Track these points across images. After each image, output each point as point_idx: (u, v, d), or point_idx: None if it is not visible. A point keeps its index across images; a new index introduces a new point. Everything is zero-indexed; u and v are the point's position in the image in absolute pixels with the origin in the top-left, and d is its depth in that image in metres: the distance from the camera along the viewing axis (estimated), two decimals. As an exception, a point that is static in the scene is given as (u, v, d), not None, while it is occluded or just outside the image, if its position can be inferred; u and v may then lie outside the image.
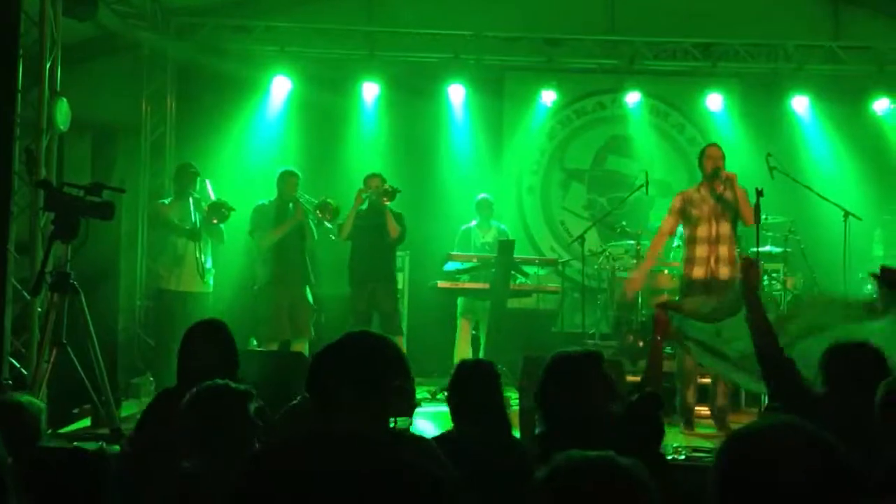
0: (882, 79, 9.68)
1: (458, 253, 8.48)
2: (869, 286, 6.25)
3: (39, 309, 5.94)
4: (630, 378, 6.06)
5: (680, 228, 6.93)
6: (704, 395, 6.71)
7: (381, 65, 9.59)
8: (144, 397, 7.06)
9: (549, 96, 10.06)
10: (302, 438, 2.31)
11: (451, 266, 8.32)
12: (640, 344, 7.75)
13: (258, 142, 9.60)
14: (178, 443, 2.97)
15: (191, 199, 7.65)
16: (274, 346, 7.48)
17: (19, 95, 6.07)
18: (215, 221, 7.60)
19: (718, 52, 9.70)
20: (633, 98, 10.08)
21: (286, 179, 7.72)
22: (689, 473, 4.43)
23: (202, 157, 8.46)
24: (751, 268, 4.26)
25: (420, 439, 2.49)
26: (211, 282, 7.75)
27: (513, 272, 8.28)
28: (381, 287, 7.73)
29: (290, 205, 7.67)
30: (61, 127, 6.45)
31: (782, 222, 8.64)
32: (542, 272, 9.21)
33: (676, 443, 5.58)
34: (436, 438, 3.28)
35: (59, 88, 6.47)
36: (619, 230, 8.90)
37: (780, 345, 3.82)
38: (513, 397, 4.98)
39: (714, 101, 10.09)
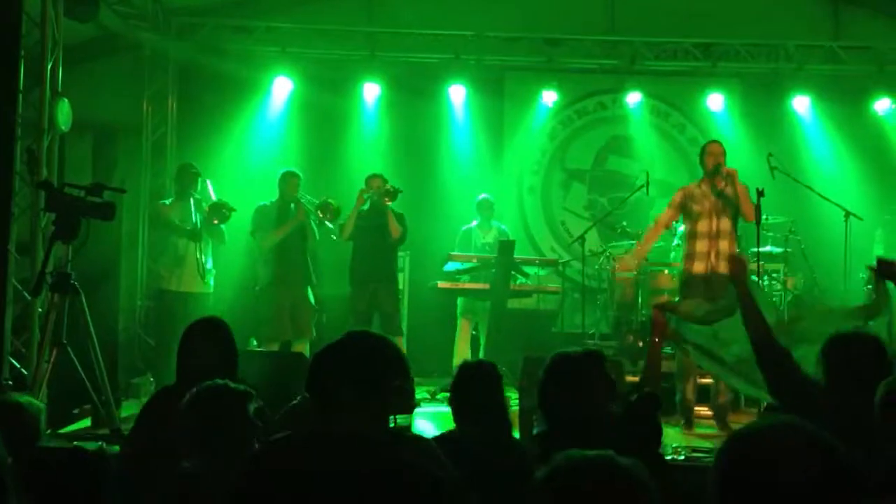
0: (882, 79, 9.68)
1: (459, 253, 8.48)
2: (870, 286, 6.25)
3: (40, 309, 5.95)
4: (630, 378, 6.06)
5: (678, 226, 6.93)
6: (705, 395, 6.71)
7: (382, 65, 9.59)
8: (144, 397, 7.04)
9: (549, 96, 10.06)
10: (302, 438, 2.31)
11: (451, 266, 8.32)
12: (640, 344, 7.75)
13: (259, 142, 9.60)
14: (178, 442, 2.97)
15: (192, 200, 7.66)
16: (275, 347, 7.48)
17: (21, 96, 6.08)
18: (216, 222, 7.60)
19: (719, 52, 9.70)
20: (633, 98, 10.08)
21: (287, 180, 7.72)
22: (688, 473, 4.43)
23: (203, 158, 8.46)
24: (737, 263, 4.30)
25: (420, 439, 2.49)
26: (212, 282, 7.75)
27: (513, 272, 8.28)
28: (382, 287, 7.73)
29: (292, 205, 7.67)
30: (62, 127, 6.46)
31: (783, 222, 8.64)
32: (542, 272, 9.21)
33: (676, 443, 5.58)
34: (436, 438, 3.28)
35: (60, 89, 6.48)
36: (619, 230, 8.90)
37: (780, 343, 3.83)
38: (513, 397, 4.98)
39: (715, 101, 10.09)
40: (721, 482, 1.72)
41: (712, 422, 6.52)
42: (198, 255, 7.51)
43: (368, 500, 2.14)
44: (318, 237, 7.79)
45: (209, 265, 7.66)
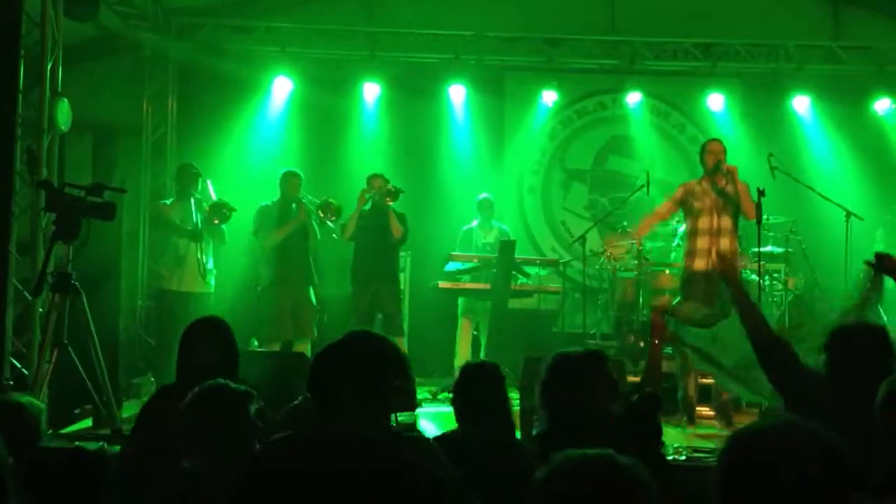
0: (882, 79, 9.69)
1: (460, 253, 8.47)
2: (862, 275, 6.27)
3: (41, 309, 5.94)
4: (631, 378, 6.06)
5: (679, 227, 6.94)
6: (707, 395, 6.71)
7: (382, 65, 9.59)
8: (145, 397, 7.01)
9: (549, 96, 10.06)
10: (302, 438, 2.31)
11: (452, 266, 8.32)
12: (641, 344, 7.76)
13: (259, 142, 9.60)
14: (179, 442, 2.97)
15: (192, 200, 7.66)
16: (276, 347, 7.48)
17: (20, 96, 6.07)
18: (216, 222, 7.60)
19: (719, 52, 9.70)
20: (633, 98, 10.08)
21: (289, 180, 7.72)
22: (689, 473, 4.43)
23: (203, 158, 8.46)
24: (726, 261, 4.32)
25: (420, 439, 2.49)
26: (212, 282, 7.75)
27: (514, 272, 8.28)
28: (384, 287, 7.74)
29: (293, 205, 7.67)
30: (62, 127, 6.46)
31: (784, 222, 8.64)
32: (543, 272, 9.21)
33: (677, 443, 5.58)
34: (438, 437, 3.28)
35: (60, 89, 6.47)
36: (620, 230, 8.90)
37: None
38: (514, 398, 4.98)
39: (715, 101, 10.09)
40: (722, 482, 1.73)
41: (714, 422, 6.53)
42: (198, 255, 7.51)
43: (369, 500, 2.14)
44: (319, 237, 7.79)
45: (210, 265, 7.66)
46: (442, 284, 8.27)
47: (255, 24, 9.33)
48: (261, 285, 7.80)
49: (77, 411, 6.03)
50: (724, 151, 6.64)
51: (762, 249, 6.89)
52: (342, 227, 7.78)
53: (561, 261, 9.22)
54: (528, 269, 8.68)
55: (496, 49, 9.58)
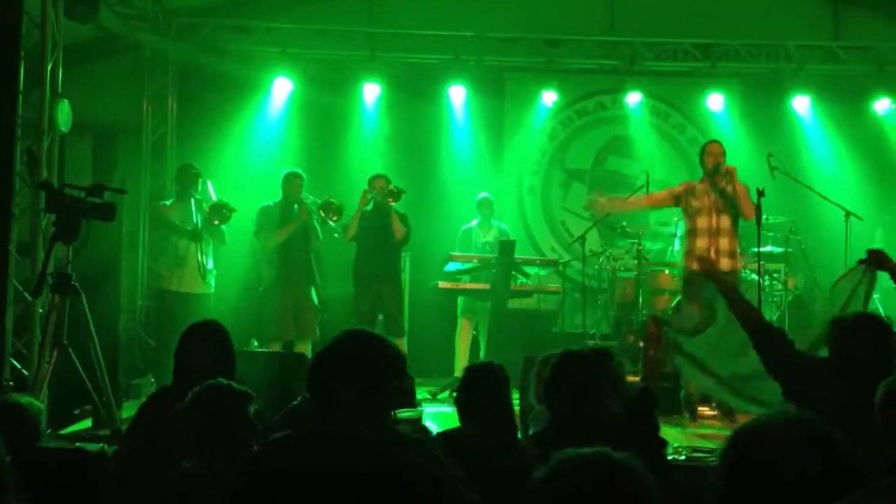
0: (882, 79, 9.69)
1: (459, 253, 8.47)
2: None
3: (41, 310, 5.94)
4: (631, 378, 6.05)
5: (678, 229, 6.96)
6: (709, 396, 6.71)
7: (382, 66, 9.59)
8: (146, 398, 7.05)
9: (549, 97, 10.06)
10: (302, 438, 2.31)
11: (451, 266, 8.32)
12: (641, 344, 7.74)
13: (259, 143, 9.60)
14: (179, 442, 2.98)
15: (192, 200, 7.65)
16: (277, 347, 7.49)
17: (20, 97, 6.07)
18: (216, 222, 7.60)
19: (719, 52, 9.69)
20: (633, 98, 10.08)
21: (290, 181, 7.73)
22: (689, 473, 4.43)
23: (203, 158, 8.46)
24: (705, 261, 4.40)
25: (419, 440, 2.49)
26: (212, 283, 7.75)
27: (513, 272, 8.28)
28: (385, 288, 7.75)
29: (295, 206, 7.67)
30: (62, 128, 6.45)
31: (783, 222, 8.65)
32: (542, 272, 9.21)
33: (678, 443, 5.57)
34: (440, 435, 3.29)
35: (60, 90, 6.47)
36: (619, 231, 8.90)
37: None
38: (513, 398, 4.98)
39: (715, 101, 10.09)
40: (725, 479, 1.73)
41: (715, 421, 6.52)
42: (198, 256, 7.51)
43: (368, 501, 2.14)
44: (321, 237, 7.79)
45: (210, 265, 7.66)
46: (442, 284, 8.27)
47: (256, 24, 9.33)
48: (263, 285, 7.80)
49: (77, 412, 6.03)
50: (724, 153, 6.69)
51: (762, 249, 6.90)
52: (344, 227, 7.78)
53: (560, 261, 9.22)
54: (527, 269, 8.68)
55: (496, 50, 9.58)
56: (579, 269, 9.19)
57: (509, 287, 8.15)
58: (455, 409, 3.60)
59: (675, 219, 8.12)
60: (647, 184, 8.44)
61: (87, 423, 5.97)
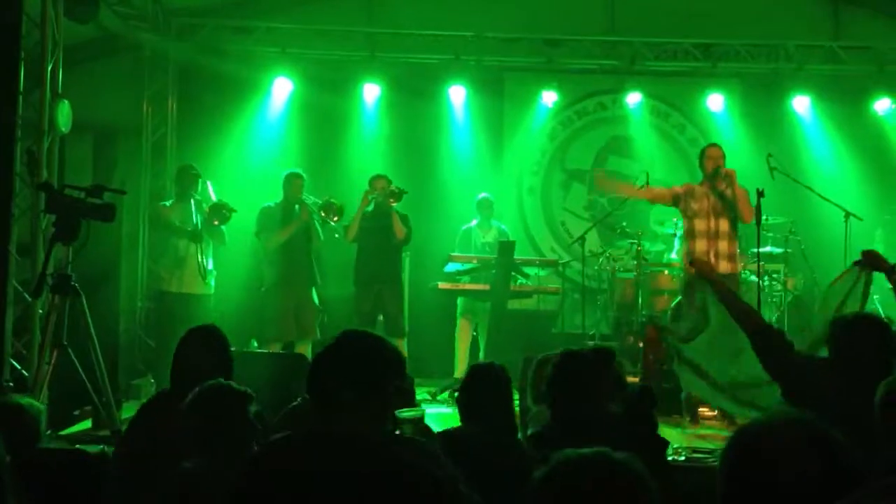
0: (882, 79, 9.69)
1: (459, 254, 8.47)
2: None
3: (41, 311, 5.94)
4: (630, 379, 6.06)
5: (677, 229, 6.97)
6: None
7: (382, 66, 9.59)
8: (145, 399, 7.02)
9: (549, 97, 10.05)
10: (302, 439, 2.31)
11: (451, 267, 8.32)
12: (641, 345, 7.75)
13: (259, 143, 9.60)
14: (180, 442, 2.98)
15: (192, 201, 7.65)
16: (278, 348, 7.49)
17: (21, 97, 6.07)
18: (216, 223, 7.60)
19: (719, 52, 9.69)
20: (633, 99, 10.08)
21: (291, 181, 7.73)
22: (689, 474, 4.43)
23: (203, 159, 8.46)
24: (700, 264, 4.41)
25: (418, 441, 2.49)
26: (212, 283, 7.75)
27: (513, 273, 8.28)
28: (387, 288, 7.76)
29: (296, 206, 7.67)
30: (62, 128, 6.45)
31: (783, 223, 8.65)
32: (542, 273, 9.20)
33: (677, 443, 5.58)
34: (441, 434, 3.29)
35: (60, 90, 6.47)
36: (619, 231, 8.90)
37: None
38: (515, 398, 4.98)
39: (715, 101, 10.09)
40: (725, 479, 1.73)
41: (715, 422, 6.53)
42: (198, 257, 7.51)
43: (368, 501, 2.14)
44: (322, 238, 7.79)
45: (210, 266, 7.66)
46: (441, 285, 8.27)
47: (256, 24, 9.33)
48: (264, 286, 7.80)
49: (77, 413, 6.04)
50: (723, 156, 6.73)
51: (761, 250, 6.90)
52: (345, 228, 7.79)
53: (560, 261, 9.22)
54: (527, 270, 8.67)
55: (496, 50, 9.58)
56: (579, 269, 9.18)
57: (509, 287, 8.15)
58: (455, 409, 3.61)
59: (675, 220, 8.12)
60: (648, 184, 8.43)
61: (86, 424, 5.98)
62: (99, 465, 2.60)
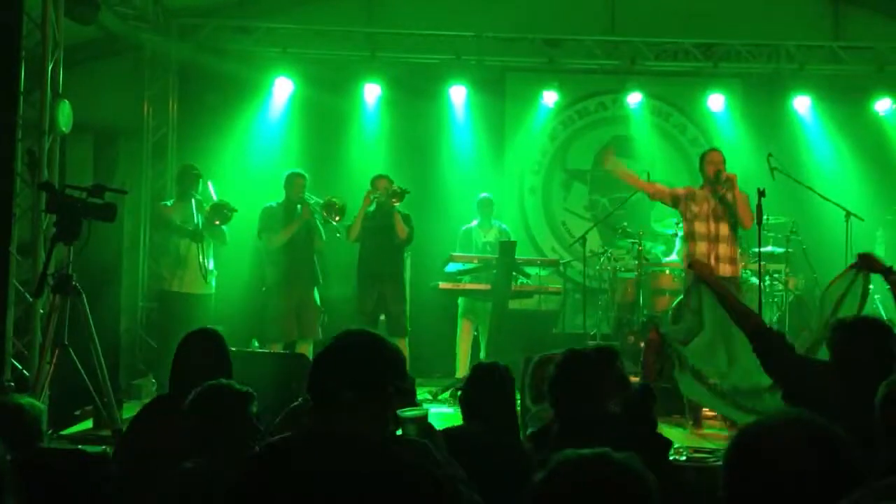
0: (883, 79, 9.69)
1: (460, 254, 8.47)
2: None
3: (42, 311, 5.94)
4: (631, 378, 6.05)
5: (674, 230, 6.97)
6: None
7: (383, 66, 9.59)
8: (146, 398, 7.05)
9: (550, 97, 10.05)
10: (302, 439, 2.31)
11: (452, 267, 8.31)
12: (641, 345, 7.75)
13: (260, 143, 9.60)
14: (179, 442, 2.98)
15: (193, 201, 7.64)
16: (279, 347, 7.49)
17: (21, 97, 6.08)
18: (217, 223, 7.60)
19: (720, 52, 9.70)
20: (634, 99, 10.07)
21: (293, 181, 7.73)
22: (689, 474, 4.42)
23: (204, 159, 8.46)
24: (700, 266, 4.41)
25: (416, 442, 2.49)
26: (213, 283, 7.75)
27: (514, 273, 8.28)
28: (389, 288, 7.76)
29: (298, 206, 7.67)
30: (63, 129, 6.45)
31: (784, 223, 8.64)
32: (543, 273, 9.21)
33: (679, 443, 5.57)
34: (443, 432, 3.29)
35: (60, 90, 6.47)
36: (620, 231, 8.90)
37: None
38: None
39: (716, 101, 10.09)
40: (727, 479, 1.74)
41: (716, 422, 6.53)
42: (199, 257, 7.51)
43: (369, 501, 2.14)
44: (324, 238, 7.80)
45: (211, 266, 7.66)
46: (442, 285, 8.27)
47: (256, 24, 9.34)
48: (266, 286, 7.81)
49: (78, 412, 6.04)
50: (724, 161, 6.73)
51: (763, 250, 6.90)
52: (347, 228, 7.79)
53: (561, 261, 9.22)
54: (528, 270, 8.67)
55: (497, 49, 9.58)
56: (580, 269, 9.19)
57: (510, 287, 8.15)
58: (456, 409, 3.61)
59: (676, 221, 8.12)
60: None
61: (87, 424, 5.98)
62: (99, 465, 2.60)
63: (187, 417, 3.02)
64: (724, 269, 6.51)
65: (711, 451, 5.22)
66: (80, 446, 3.97)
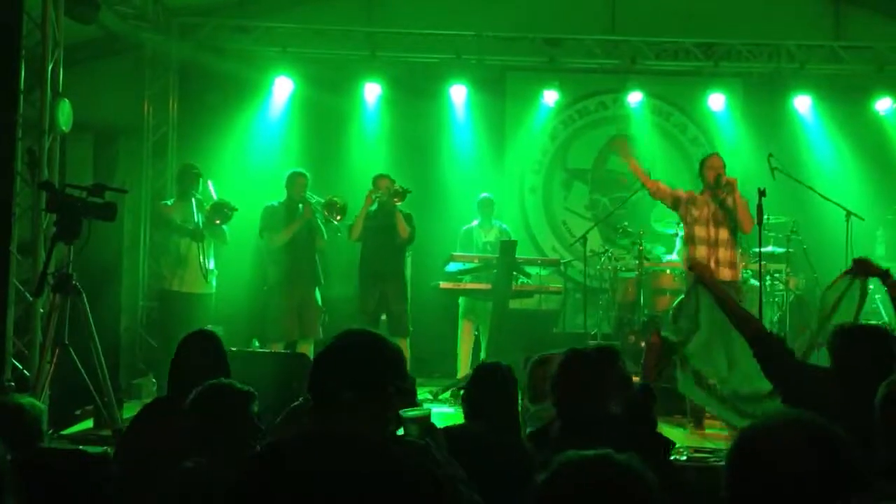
0: (883, 78, 9.69)
1: (461, 253, 8.47)
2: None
3: (42, 310, 5.94)
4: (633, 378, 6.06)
5: (679, 228, 6.96)
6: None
7: (383, 65, 9.59)
8: (147, 398, 7.05)
9: (551, 96, 10.05)
10: (302, 438, 2.31)
11: (453, 267, 8.31)
12: (642, 344, 7.75)
13: (260, 142, 9.60)
14: (181, 441, 2.98)
15: (193, 200, 7.64)
16: (280, 347, 7.49)
17: (21, 96, 6.07)
18: (218, 222, 7.60)
19: (720, 51, 9.69)
20: (635, 98, 10.07)
21: (295, 180, 7.73)
22: (690, 473, 4.42)
23: (204, 158, 8.46)
24: (701, 268, 4.41)
25: (414, 443, 2.49)
26: (214, 282, 7.75)
27: (515, 273, 8.28)
28: (391, 287, 7.76)
29: (300, 205, 7.67)
30: (63, 128, 6.45)
31: (784, 222, 8.64)
32: (544, 272, 9.21)
33: (680, 443, 5.57)
34: (444, 430, 3.28)
35: (61, 89, 6.47)
36: (620, 230, 8.90)
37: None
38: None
39: (716, 100, 10.08)
40: (728, 480, 1.74)
41: (718, 422, 6.52)
42: (200, 256, 7.50)
43: (369, 501, 2.14)
44: (326, 237, 7.79)
45: (211, 266, 7.65)
46: (443, 285, 8.27)
47: (256, 24, 9.34)
48: (267, 285, 7.81)
49: (78, 412, 6.03)
50: (724, 166, 6.73)
51: (763, 249, 6.90)
52: (349, 228, 7.79)
53: (562, 261, 9.22)
54: (528, 270, 8.67)
55: (497, 49, 9.58)
56: (580, 269, 9.19)
57: (510, 287, 8.15)
58: (457, 409, 3.62)
59: (676, 221, 8.11)
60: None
61: (88, 424, 5.98)
62: (101, 465, 2.60)
63: (188, 416, 3.02)
64: (724, 274, 6.50)
65: (712, 451, 5.22)
66: (80, 447, 3.97)
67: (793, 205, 8.57)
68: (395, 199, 7.69)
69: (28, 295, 6.04)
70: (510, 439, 3.42)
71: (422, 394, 7.04)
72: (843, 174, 9.75)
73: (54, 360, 5.37)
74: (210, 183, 7.94)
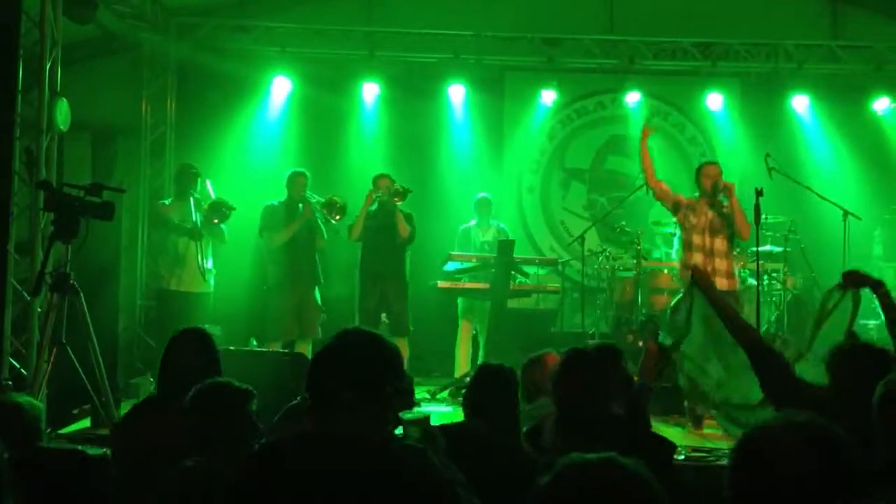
0: (881, 78, 9.70)
1: (459, 253, 8.47)
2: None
3: (39, 309, 5.94)
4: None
5: (675, 230, 6.97)
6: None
7: (381, 65, 9.59)
8: (144, 397, 7.05)
9: (549, 96, 10.05)
10: (302, 438, 2.31)
11: (451, 266, 8.31)
12: (640, 344, 7.76)
13: (259, 142, 9.60)
14: (180, 440, 2.98)
15: (191, 200, 7.64)
16: (278, 346, 7.48)
17: (19, 96, 6.07)
18: (216, 221, 7.59)
19: (718, 51, 9.70)
20: (633, 98, 10.07)
21: (295, 180, 7.73)
22: (688, 473, 4.43)
23: (202, 158, 8.46)
24: (701, 274, 4.39)
25: (413, 445, 2.48)
26: (212, 282, 7.74)
27: (513, 272, 8.27)
28: (391, 287, 7.76)
29: (300, 205, 7.67)
30: (61, 127, 6.45)
31: (782, 222, 8.65)
32: (541, 272, 9.20)
33: (678, 443, 5.57)
34: (442, 427, 3.28)
35: (59, 89, 6.46)
36: (618, 230, 8.90)
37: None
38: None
39: (714, 100, 10.09)
40: (730, 480, 1.74)
41: (714, 421, 6.52)
42: (198, 255, 7.50)
43: (368, 501, 2.14)
44: (326, 237, 7.79)
45: (209, 265, 7.65)
46: (441, 284, 8.26)
47: (255, 23, 9.33)
48: (267, 284, 7.80)
49: (75, 411, 6.03)
50: (721, 174, 6.76)
51: (761, 249, 6.91)
52: (349, 227, 7.79)
53: (560, 260, 9.22)
54: (526, 269, 8.66)
55: (495, 49, 9.58)
56: (578, 268, 9.19)
57: (508, 286, 8.14)
58: (455, 408, 3.62)
59: (674, 221, 8.12)
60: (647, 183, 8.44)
61: (85, 423, 5.98)
62: (100, 465, 2.60)
63: (187, 415, 3.02)
64: (721, 283, 6.46)
65: (710, 451, 5.22)
66: (79, 447, 3.96)
67: (790, 204, 8.58)
68: (396, 199, 7.69)
69: (26, 294, 6.04)
70: (510, 440, 3.43)
71: (420, 393, 7.05)
72: (840, 174, 9.76)
73: (52, 359, 5.37)
74: (208, 182, 7.93)
